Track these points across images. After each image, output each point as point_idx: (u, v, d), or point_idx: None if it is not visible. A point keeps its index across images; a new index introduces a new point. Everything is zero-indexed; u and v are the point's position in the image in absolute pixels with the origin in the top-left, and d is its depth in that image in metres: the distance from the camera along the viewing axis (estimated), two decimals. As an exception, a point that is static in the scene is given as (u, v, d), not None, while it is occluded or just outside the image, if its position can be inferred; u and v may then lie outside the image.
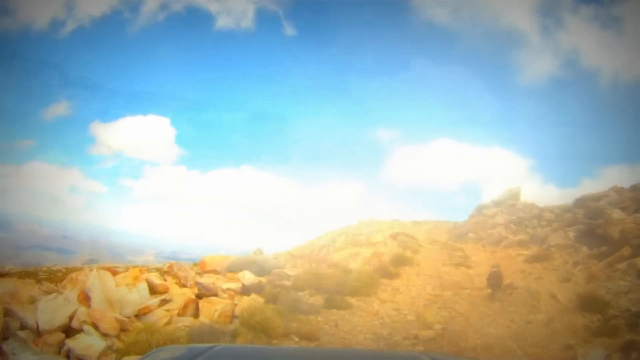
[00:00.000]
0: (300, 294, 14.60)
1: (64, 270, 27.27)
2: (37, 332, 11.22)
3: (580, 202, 28.54)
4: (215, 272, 19.68)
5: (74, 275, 14.65)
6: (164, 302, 12.23)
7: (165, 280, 13.56)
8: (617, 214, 23.56)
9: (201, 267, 20.96)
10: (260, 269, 18.21)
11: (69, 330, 11.57)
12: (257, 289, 13.82)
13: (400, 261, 19.79)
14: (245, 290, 14.27)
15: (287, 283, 16.33)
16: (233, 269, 18.60)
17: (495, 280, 15.76)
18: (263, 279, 17.40)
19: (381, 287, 15.70)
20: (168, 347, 3.69)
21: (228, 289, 14.31)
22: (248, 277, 16.91)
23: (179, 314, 11.93)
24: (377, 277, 16.12)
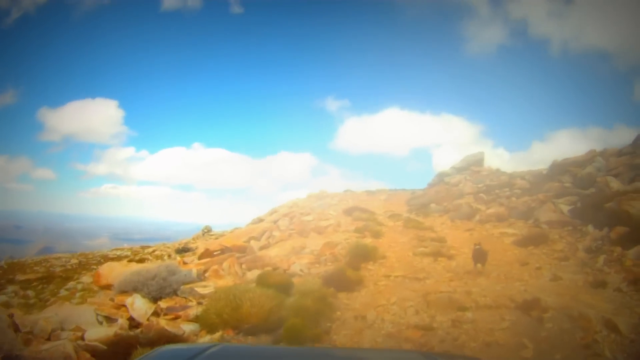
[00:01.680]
0: (207, 340, 8.41)
1: (5, 266, 25.72)
2: None
3: (561, 168, 23.51)
4: (109, 288, 13.37)
5: None
6: None
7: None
8: (614, 183, 18.54)
9: (96, 282, 14.75)
10: (162, 286, 11.91)
11: None
12: (128, 345, 7.47)
13: (360, 255, 13.91)
14: (110, 346, 7.86)
15: (194, 313, 10.09)
16: (125, 287, 12.21)
17: (480, 258, 13.23)
18: (163, 304, 11.15)
19: (337, 314, 9.63)
20: (167, 347, 3.35)
21: (85, 346, 7.88)
22: (138, 306, 10.67)
23: None
24: (329, 294, 10.08)
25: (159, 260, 29.18)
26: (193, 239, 34.25)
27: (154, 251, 33.41)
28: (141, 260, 30.72)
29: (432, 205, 27.66)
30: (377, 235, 17.56)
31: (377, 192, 37.18)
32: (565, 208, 17.94)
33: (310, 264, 14.18)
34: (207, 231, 35.55)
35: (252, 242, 19.03)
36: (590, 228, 15.52)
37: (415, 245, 16.30)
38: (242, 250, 18.42)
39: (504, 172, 30.15)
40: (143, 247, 35.81)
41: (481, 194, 25.40)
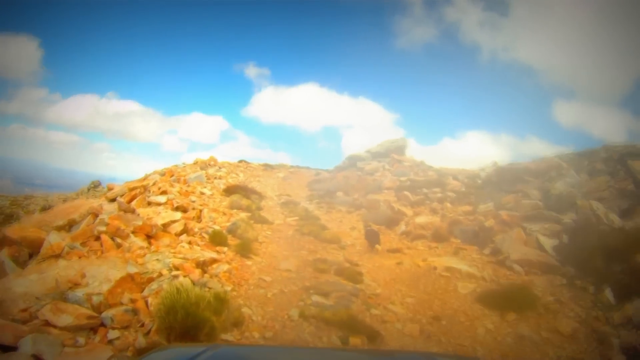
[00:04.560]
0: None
1: None
2: None
3: (511, 175, 16.53)
4: None
5: None
6: None
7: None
8: (613, 217, 11.56)
9: None
10: None
11: None
12: None
13: (183, 324, 5.22)
14: None
15: None
16: None
17: (374, 239, 11.79)
18: None
19: None
20: (166, 348, 3.15)
21: None
22: None
23: None
24: None
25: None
26: (77, 193, 26.19)
27: (29, 204, 26.02)
28: (9, 216, 23.51)
29: (339, 194, 19.85)
30: (246, 250, 8.95)
31: (277, 167, 28.65)
32: (547, 242, 10.61)
33: (73, 331, 5.32)
34: (94, 186, 26.64)
35: (53, 235, 9.33)
36: (608, 295, 8.21)
37: (307, 283, 7.96)
38: (32, 244, 8.99)
39: (431, 166, 23.00)
40: (26, 197, 28.78)
41: (405, 192, 17.84)
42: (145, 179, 18.90)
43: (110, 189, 17.53)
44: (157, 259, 7.21)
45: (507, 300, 8.19)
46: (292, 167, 29.46)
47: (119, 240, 8.51)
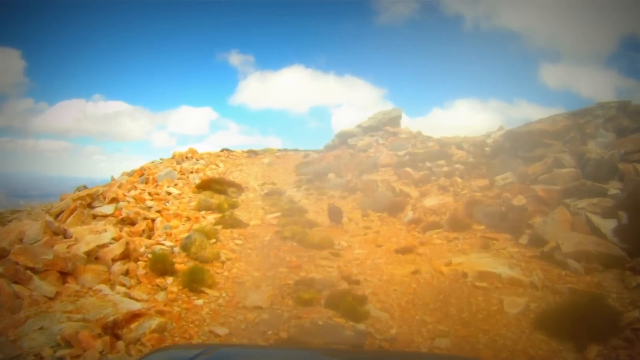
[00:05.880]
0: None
1: None
2: None
3: (528, 139, 13.62)
4: None
5: None
6: None
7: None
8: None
9: None
10: None
11: None
12: None
13: None
14: None
15: None
16: None
17: (336, 216, 10.99)
18: None
19: None
20: (166, 349, 3.07)
21: None
22: None
23: None
24: None
25: None
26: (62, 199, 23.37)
27: (12, 220, 23.86)
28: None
29: (331, 175, 17.10)
30: (198, 279, 6.04)
31: (262, 152, 25.66)
32: (604, 224, 7.79)
33: None
34: (78, 190, 23.70)
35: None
36: None
37: (283, 332, 5.13)
38: None
39: (430, 137, 20.04)
40: (13, 212, 25.83)
41: (406, 168, 14.97)
42: (114, 183, 16.10)
43: (62, 200, 14.64)
44: (42, 327, 4.34)
45: (576, 321, 5.42)
46: (279, 151, 26.47)
47: (16, 288, 5.64)
